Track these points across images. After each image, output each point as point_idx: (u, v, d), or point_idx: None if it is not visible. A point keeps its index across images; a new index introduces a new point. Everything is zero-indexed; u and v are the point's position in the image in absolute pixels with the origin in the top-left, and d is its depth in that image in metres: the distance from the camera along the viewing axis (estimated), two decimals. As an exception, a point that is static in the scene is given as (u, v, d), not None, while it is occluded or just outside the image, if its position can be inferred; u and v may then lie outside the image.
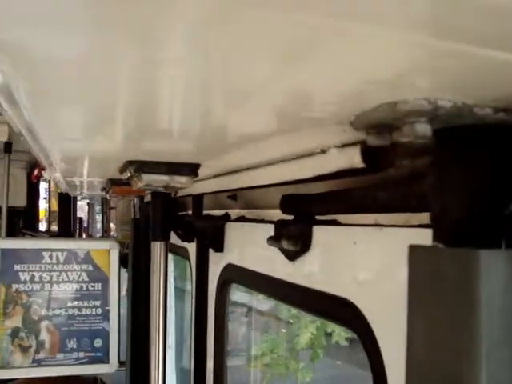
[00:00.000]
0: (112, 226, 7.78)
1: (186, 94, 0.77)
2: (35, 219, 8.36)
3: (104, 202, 7.07)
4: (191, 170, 1.24)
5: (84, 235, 8.02)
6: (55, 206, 7.38)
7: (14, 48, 0.56)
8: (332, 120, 0.76)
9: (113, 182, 1.80)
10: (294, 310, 3.42)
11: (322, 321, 3.16)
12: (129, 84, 0.72)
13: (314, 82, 0.62)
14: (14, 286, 3.24)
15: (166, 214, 1.88)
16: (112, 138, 1.05)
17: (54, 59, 0.59)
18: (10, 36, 0.52)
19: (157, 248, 1.91)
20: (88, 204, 9.33)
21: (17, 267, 3.24)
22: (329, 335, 3.26)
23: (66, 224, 6.61)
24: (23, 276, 3.25)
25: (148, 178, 1.23)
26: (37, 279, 3.27)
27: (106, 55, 0.58)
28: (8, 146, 4.93)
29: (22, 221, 8.11)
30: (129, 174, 1.29)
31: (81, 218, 7.64)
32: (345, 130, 0.79)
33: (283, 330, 3.63)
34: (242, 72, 0.63)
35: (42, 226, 8.34)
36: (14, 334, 3.26)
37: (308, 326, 3.20)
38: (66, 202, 6.46)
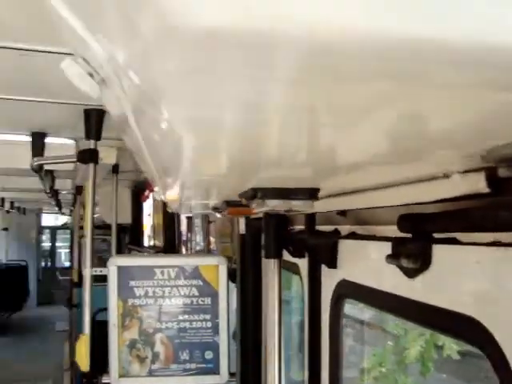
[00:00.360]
0: (212, 239, 8.00)
1: (307, 131, 0.83)
2: (140, 235, 8.75)
3: (204, 217, 7.27)
4: (311, 194, 1.31)
5: (183, 248, 8.29)
6: (158, 221, 7.68)
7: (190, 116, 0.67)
8: (461, 155, 0.81)
9: (228, 204, 1.90)
10: (400, 322, 3.40)
11: (432, 333, 3.14)
12: (259, 129, 0.80)
13: (449, 126, 0.67)
14: (130, 301, 3.43)
15: (278, 232, 1.96)
16: (241, 170, 1.14)
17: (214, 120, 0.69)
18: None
19: (270, 265, 1.98)
20: (187, 218, 9.62)
21: (132, 283, 3.43)
22: (439, 348, 3.22)
23: (171, 239, 6.87)
24: (138, 291, 3.44)
25: (271, 204, 1.32)
26: (150, 294, 3.45)
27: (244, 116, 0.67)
28: (116, 168, 5.23)
29: (128, 236, 8.52)
30: (251, 200, 1.38)
31: (180, 232, 7.92)
32: (471, 159, 0.83)
33: (390, 343, 3.63)
34: (370, 112, 0.69)
35: (147, 241, 8.70)
36: (132, 345, 3.44)
37: (416, 339, 3.19)
38: (170, 218, 6.72)
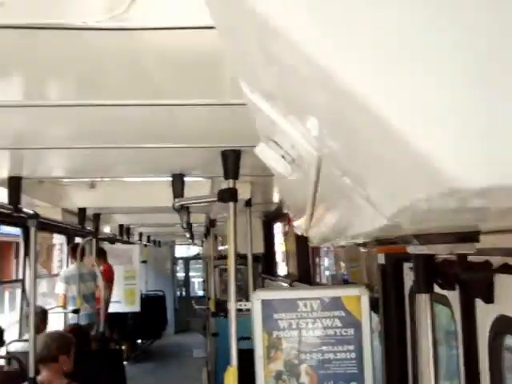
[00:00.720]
0: (342, 264, 8.00)
1: None
2: (272, 264, 8.92)
3: (335, 243, 7.24)
4: (472, 237, 1.33)
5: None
6: (291, 249, 7.80)
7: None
8: None
9: (378, 242, 1.94)
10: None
11: None
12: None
13: None
14: (275, 333, 3.53)
15: (428, 265, 1.96)
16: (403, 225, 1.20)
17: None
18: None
19: (422, 300, 1.98)
20: (315, 244, 9.67)
21: (275, 316, 3.53)
22: None
23: (305, 267, 6.96)
24: (282, 323, 3.53)
25: (432, 248, 1.35)
26: (294, 326, 3.52)
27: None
28: (249, 202, 5.45)
29: (261, 266, 8.72)
30: (410, 243, 1.42)
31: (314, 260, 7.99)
32: None
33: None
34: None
35: (280, 270, 8.85)
36: (278, 376, 3.53)
37: None
38: (303, 246, 6.81)
